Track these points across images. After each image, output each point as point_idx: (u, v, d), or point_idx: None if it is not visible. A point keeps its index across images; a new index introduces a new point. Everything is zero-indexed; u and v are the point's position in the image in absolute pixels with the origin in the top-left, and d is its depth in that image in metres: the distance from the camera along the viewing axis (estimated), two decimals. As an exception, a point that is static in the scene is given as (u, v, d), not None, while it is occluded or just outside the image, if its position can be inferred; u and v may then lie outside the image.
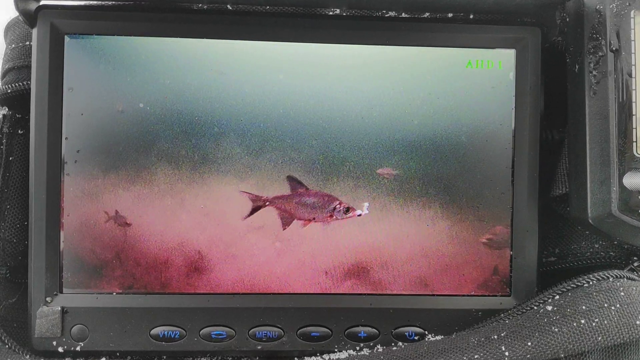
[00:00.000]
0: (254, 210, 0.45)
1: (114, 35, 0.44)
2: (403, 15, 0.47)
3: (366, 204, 0.45)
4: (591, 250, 0.47)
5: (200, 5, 0.46)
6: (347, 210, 0.45)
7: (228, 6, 0.46)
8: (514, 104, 0.46)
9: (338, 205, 0.45)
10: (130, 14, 0.44)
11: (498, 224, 0.46)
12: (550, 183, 0.47)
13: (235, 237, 0.45)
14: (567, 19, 0.44)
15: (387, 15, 0.47)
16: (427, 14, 0.47)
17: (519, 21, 0.46)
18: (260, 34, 0.45)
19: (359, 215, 0.45)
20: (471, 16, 0.47)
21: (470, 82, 0.46)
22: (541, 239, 0.46)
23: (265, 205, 0.45)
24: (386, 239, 0.45)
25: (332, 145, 0.45)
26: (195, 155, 0.44)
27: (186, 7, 0.46)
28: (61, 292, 0.44)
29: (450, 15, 0.47)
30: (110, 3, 0.45)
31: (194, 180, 0.44)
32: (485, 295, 0.46)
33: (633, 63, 0.41)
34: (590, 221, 0.41)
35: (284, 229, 0.45)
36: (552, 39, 0.46)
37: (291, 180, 0.45)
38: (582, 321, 0.38)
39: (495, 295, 0.46)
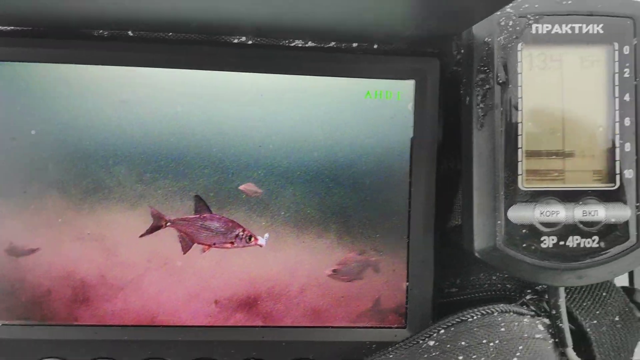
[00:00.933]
0: (154, 228, 0.44)
1: (7, 61, 0.43)
2: (309, 44, 0.47)
3: (266, 235, 0.45)
4: (489, 282, 0.46)
5: (100, 31, 0.46)
6: (250, 238, 0.45)
7: (129, 32, 0.46)
8: (412, 134, 0.46)
9: (241, 233, 0.45)
10: (25, 39, 0.44)
11: (394, 255, 0.45)
12: (448, 213, 0.46)
13: (126, 266, 0.44)
14: (462, 50, 0.44)
15: (293, 44, 0.47)
16: (333, 43, 0.47)
17: (419, 52, 0.46)
18: (162, 61, 0.45)
19: (261, 245, 0.45)
20: (375, 46, 0.47)
21: (369, 112, 0.46)
22: (440, 270, 0.46)
23: (166, 226, 0.44)
24: (280, 270, 0.45)
25: (228, 175, 0.44)
26: (86, 183, 0.43)
27: (85, 34, 0.45)
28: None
29: (354, 45, 0.47)
30: (5, 29, 0.44)
31: (83, 209, 0.43)
32: (380, 327, 0.45)
33: (519, 96, 0.41)
34: (476, 254, 0.41)
35: (184, 253, 0.44)
36: (450, 70, 0.46)
37: (198, 201, 0.44)
38: (460, 357, 0.38)
39: (391, 327, 0.45)
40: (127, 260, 0.44)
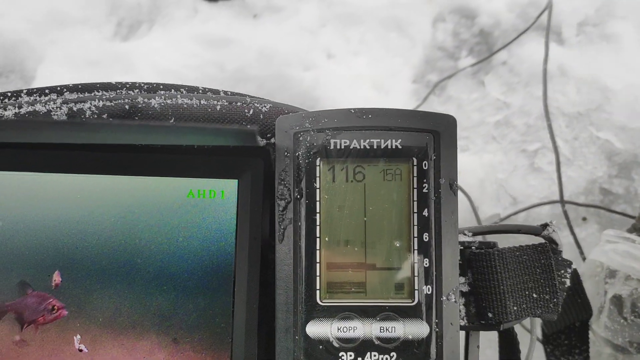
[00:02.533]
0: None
1: None
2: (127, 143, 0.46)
3: (78, 337, 0.45)
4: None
5: None
6: (53, 308, 0.45)
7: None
8: (235, 232, 0.45)
9: (48, 304, 0.45)
10: None
11: (217, 357, 0.45)
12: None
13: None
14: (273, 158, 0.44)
15: (111, 143, 0.46)
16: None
17: (245, 151, 0.46)
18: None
19: (65, 316, 0.44)
20: (195, 146, 0.47)
21: (192, 211, 0.45)
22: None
23: (7, 310, 0.44)
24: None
25: (42, 272, 0.44)
26: None
27: None
28: None
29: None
30: None
31: None
32: None
33: (317, 210, 0.41)
34: (278, 368, 0.41)
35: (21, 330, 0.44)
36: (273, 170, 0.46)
37: (21, 284, 0.44)
38: None
39: None
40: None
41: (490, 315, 0.43)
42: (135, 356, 0.45)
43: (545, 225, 0.46)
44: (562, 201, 1.03)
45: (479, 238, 0.48)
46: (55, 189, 0.45)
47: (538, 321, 0.53)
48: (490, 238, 0.50)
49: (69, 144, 0.46)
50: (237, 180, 0.46)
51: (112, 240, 0.45)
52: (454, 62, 1.24)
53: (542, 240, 0.46)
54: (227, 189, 0.46)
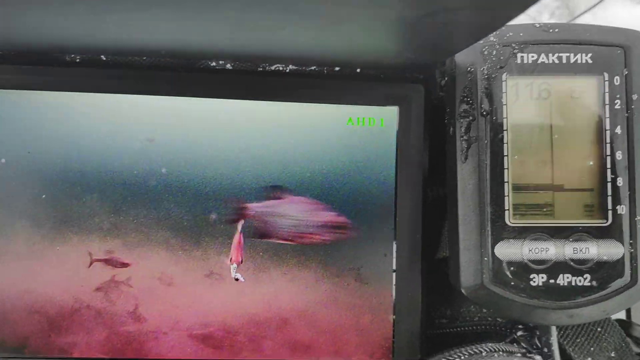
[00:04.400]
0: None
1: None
2: (290, 68, 0.45)
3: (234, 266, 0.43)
4: (479, 315, 0.45)
5: (72, 56, 0.44)
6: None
7: (102, 57, 0.44)
8: (396, 162, 0.44)
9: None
10: None
11: (379, 287, 0.44)
12: (436, 244, 0.45)
13: (96, 297, 0.42)
14: (445, 79, 0.42)
15: (273, 68, 0.45)
16: (314, 67, 0.46)
17: (403, 78, 0.45)
18: (135, 86, 0.43)
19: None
20: (358, 70, 0.45)
21: (351, 139, 0.44)
22: (429, 302, 0.44)
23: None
24: (261, 302, 0.43)
25: (201, 204, 0.43)
26: (56, 214, 0.42)
27: (56, 59, 0.44)
28: None
29: (337, 69, 0.45)
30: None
31: (54, 240, 0.42)
32: (364, 364, 0.44)
33: (505, 128, 0.39)
34: (463, 291, 0.39)
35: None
36: (435, 97, 0.44)
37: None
38: (447, 402, 0.36)
39: (376, 363, 0.44)
40: (99, 292, 0.43)
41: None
42: (297, 287, 0.44)
43: None
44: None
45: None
46: (212, 116, 0.44)
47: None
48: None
49: (235, 69, 0.45)
50: (397, 107, 0.44)
51: (271, 168, 0.44)
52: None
53: None
54: (386, 116, 0.44)
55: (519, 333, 0.42)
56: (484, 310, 0.45)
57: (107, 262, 0.43)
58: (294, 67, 0.45)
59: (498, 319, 0.44)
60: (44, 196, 0.42)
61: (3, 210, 0.42)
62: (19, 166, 0.42)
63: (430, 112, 0.44)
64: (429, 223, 0.44)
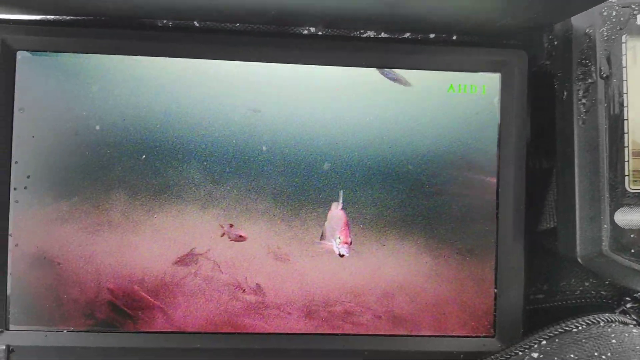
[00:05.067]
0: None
1: (70, 52, 0.41)
2: (382, 35, 0.44)
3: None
4: (581, 288, 0.44)
5: (165, 22, 0.43)
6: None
7: (195, 23, 0.43)
8: (498, 131, 0.43)
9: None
10: (89, 30, 0.41)
11: (481, 260, 0.43)
12: (538, 216, 0.44)
13: (200, 269, 0.41)
14: (555, 43, 0.41)
15: (365, 35, 0.44)
16: (408, 34, 0.44)
17: (504, 43, 0.44)
18: (229, 53, 0.42)
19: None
20: (454, 37, 0.44)
21: (452, 107, 0.43)
22: (528, 276, 0.43)
23: None
24: (361, 275, 0.42)
25: (303, 174, 0.42)
26: (155, 183, 0.41)
27: (149, 24, 0.43)
28: (7, 329, 0.40)
29: (432, 36, 0.44)
30: (67, 18, 0.42)
31: (152, 209, 0.41)
32: (467, 336, 0.42)
33: (625, 91, 0.38)
34: (579, 260, 0.38)
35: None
36: (539, 63, 0.43)
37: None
38: (570, 371, 0.35)
39: (479, 337, 0.42)
40: (203, 263, 0.41)
41: None
42: (397, 260, 0.42)
43: None
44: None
45: None
46: (308, 83, 0.42)
47: None
48: None
49: (327, 35, 0.44)
50: (499, 74, 0.43)
51: (371, 137, 0.42)
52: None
53: None
54: (488, 83, 0.43)
55: (629, 305, 0.41)
56: (586, 284, 0.43)
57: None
58: (386, 36, 0.44)
59: (602, 292, 0.43)
60: (141, 165, 0.41)
61: (99, 178, 0.41)
62: (114, 133, 0.41)
63: (533, 80, 0.43)
64: (529, 195, 0.43)
